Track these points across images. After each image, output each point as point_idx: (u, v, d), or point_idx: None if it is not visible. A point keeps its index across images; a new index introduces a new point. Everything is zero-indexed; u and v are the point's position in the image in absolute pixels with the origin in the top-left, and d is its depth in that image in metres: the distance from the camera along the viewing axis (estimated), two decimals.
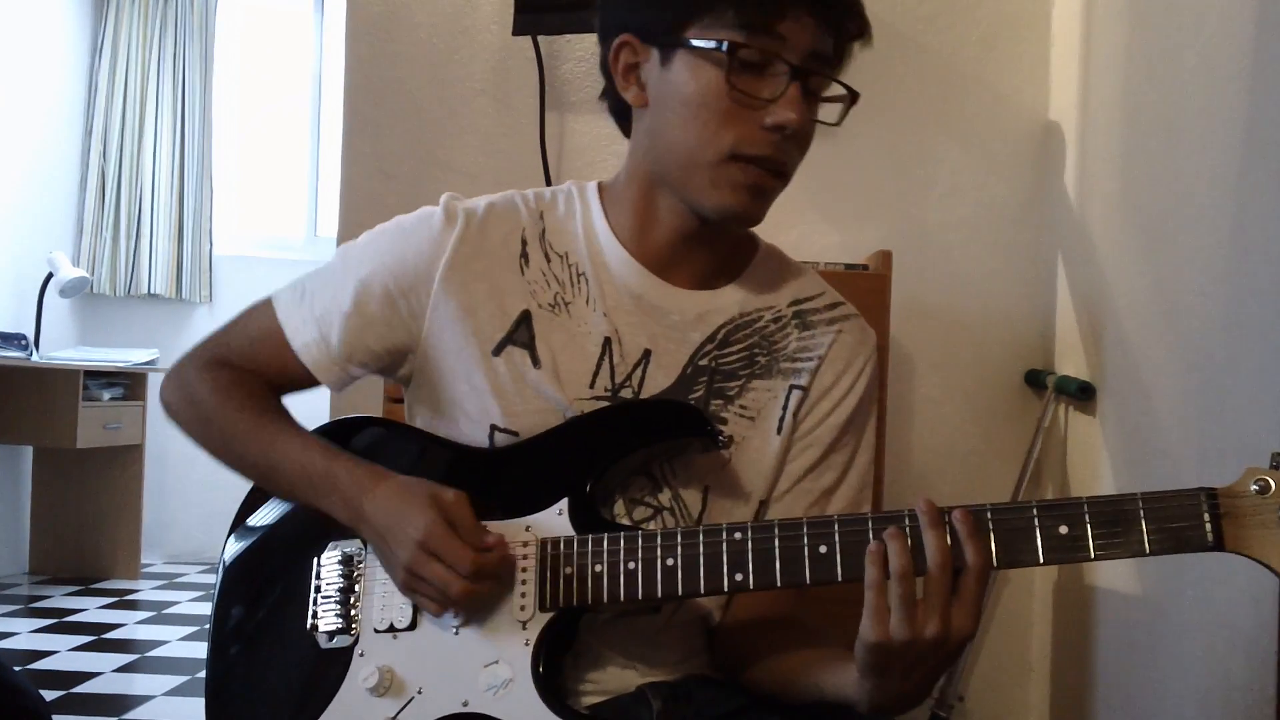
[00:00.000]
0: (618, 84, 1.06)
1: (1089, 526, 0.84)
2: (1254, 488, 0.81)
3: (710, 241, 1.08)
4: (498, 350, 1.06)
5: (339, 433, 1.12)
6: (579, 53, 2.24)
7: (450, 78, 2.26)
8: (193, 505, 4.74)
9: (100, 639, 3.40)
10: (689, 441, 1.03)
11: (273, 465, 1.07)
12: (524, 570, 0.98)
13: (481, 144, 2.26)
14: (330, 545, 1.06)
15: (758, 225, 1.08)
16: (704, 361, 1.07)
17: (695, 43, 0.98)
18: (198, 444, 1.14)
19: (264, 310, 1.13)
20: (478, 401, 1.06)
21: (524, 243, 1.09)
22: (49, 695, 2.76)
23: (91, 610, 3.80)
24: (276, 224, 5.07)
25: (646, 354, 1.06)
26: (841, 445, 1.11)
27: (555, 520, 0.99)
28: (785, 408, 1.08)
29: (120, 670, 3.08)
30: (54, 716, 1.19)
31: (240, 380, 1.12)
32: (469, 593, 0.95)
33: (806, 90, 1.00)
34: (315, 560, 1.06)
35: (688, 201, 1.04)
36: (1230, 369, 1.46)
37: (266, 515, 1.13)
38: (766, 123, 0.98)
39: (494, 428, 1.06)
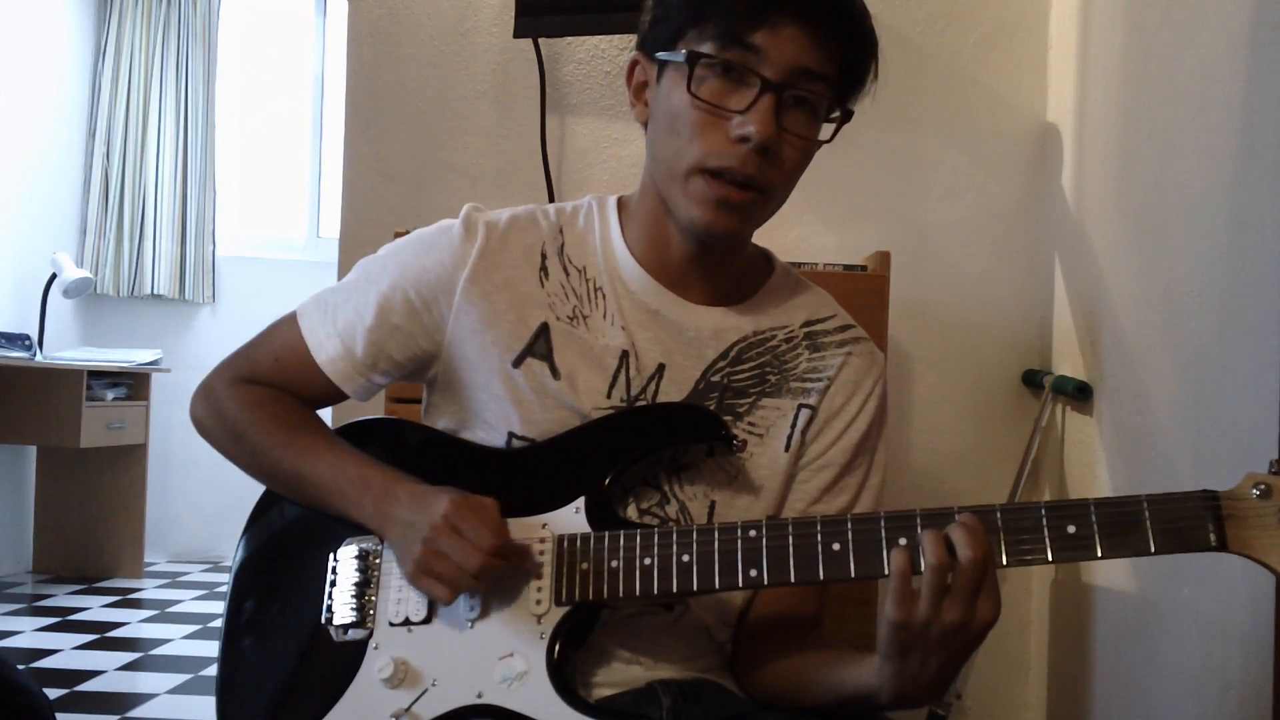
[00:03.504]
0: (630, 100, 1.09)
1: (1095, 526, 0.86)
2: (1255, 492, 0.84)
3: (723, 260, 1.09)
4: (517, 362, 1.07)
5: (357, 434, 1.14)
6: (580, 55, 2.25)
7: (451, 80, 2.27)
8: (196, 504, 4.76)
9: (103, 637, 3.42)
10: (702, 446, 1.05)
11: (302, 477, 1.08)
12: (540, 565, 1.00)
13: (482, 145, 2.27)
14: (347, 540, 1.07)
15: (740, 241, 1.09)
16: (716, 378, 1.09)
17: (667, 56, 1.00)
18: (230, 460, 1.15)
19: (288, 326, 1.14)
20: (497, 410, 1.08)
21: (544, 256, 1.11)
22: (52, 693, 2.78)
23: (95, 609, 3.81)
24: (279, 224, 5.08)
25: (661, 368, 1.08)
26: (855, 467, 1.12)
27: (572, 518, 1.01)
28: (794, 426, 1.10)
29: (123, 668, 3.09)
30: (57, 715, 1.19)
31: (269, 395, 1.13)
32: (487, 568, 0.95)
33: (796, 102, 0.99)
34: (331, 555, 1.08)
35: (671, 215, 1.05)
36: (1226, 369, 1.47)
37: (283, 511, 1.14)
38: (733, 134, 0.98)
39: (511, 435, 1.08)
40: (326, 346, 1.11)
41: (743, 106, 0.97)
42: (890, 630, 0.86)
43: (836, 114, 1.03)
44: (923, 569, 0.85)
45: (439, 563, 0.97)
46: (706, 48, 0.98)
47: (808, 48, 0.97)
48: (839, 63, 1.00)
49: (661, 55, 1.02)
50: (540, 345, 1.07)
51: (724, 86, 0.98)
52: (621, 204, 1.14)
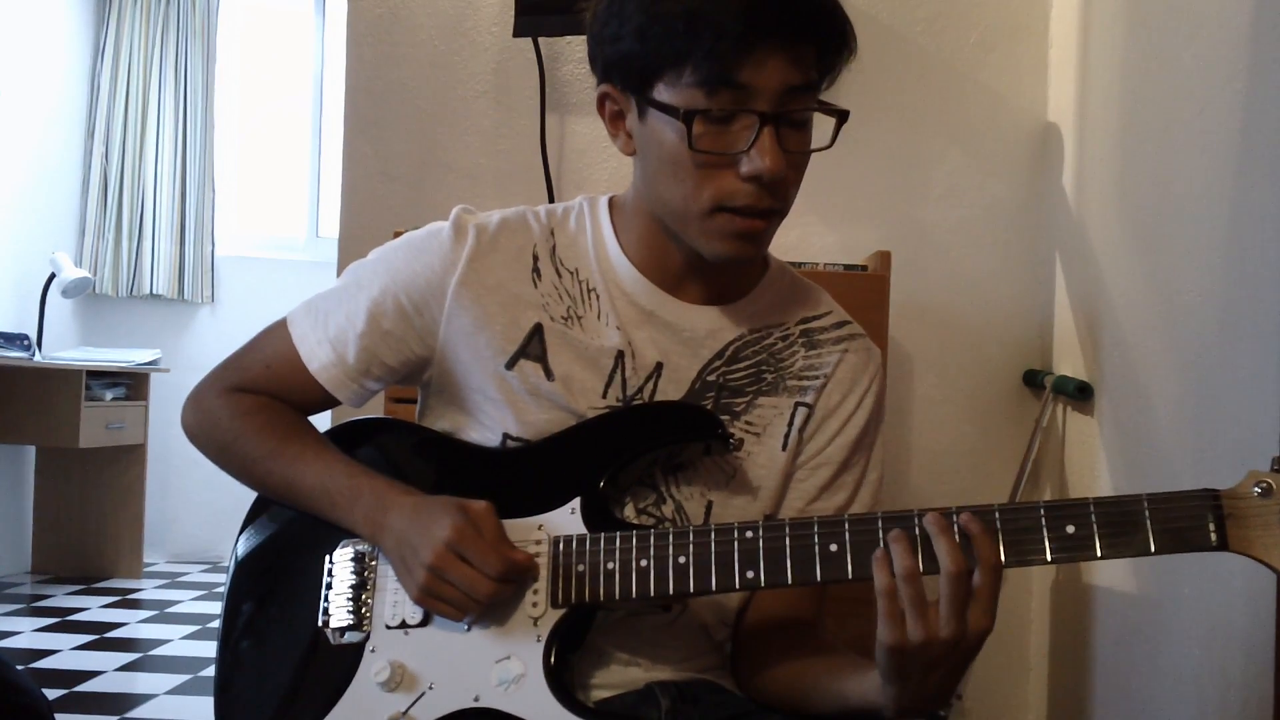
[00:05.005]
0: (606, 129, 1.06)
1: (1095, 526, 0.85)
2: (1256, 490, 0.83)
3: (720, 265, 1.08)
4: (511, 364, 1.07)
5: (351, 435, 1.14)
6: (579, 54, 2.24)
7: (451, 79, 2.27)
8: (195, 504, 4.76)
9: (102, 638, 3.41)
10: (699, 445, 1.04)
11: (294, 484, 1.08)
12: (536, 567, 0.99)
13: (482, 145, 2.27)
14: (343, 543, 1.07)
15: (761, 255, 1.09)
16: (712, 377, 1.09)
17: (660, 101, 0.97)
18: (221, 468, 1.15)
19: (278, 333, 1.14)
20: (492, 412, 1.08)
21: (535, 258, 1.10)
22: (51, 694, 2.77)
23: (94, 609, 3.81)
24: (278, 224, 5.08)
25: (658, 367, 1.08)
26: (852, 464, 1.12)
27: (568, 519, 1.01)
28: (791, 424, 1.09)
29: (122, 669, 3.09)
30: (56, 715, 1.19)
31: (260, 404, 1.13)
32: (495, 594, 0.96)
33: (790, 122, 0.97)
34: (328, 557, 1.07)
35: (686, 245, 1.04)
36: (1227, 369, 1.46)
37: (279, 513, 1.14)
38: (742, 173, 0.96)
39: (506, 436, 1.08)
40: (318, 354, 1.11)
41: (745, 145, 0.95)
42: (886, 654, 0.86)
43: (835, 113, 1.01)
44: (896, 582, 0.85)
45: (446, 589, 0.97)
46: (696, 96, 0.94)
47: (790, 67, 0.95)
48: (817, 64, 0.98)
49: (650, 99, 0.98)
50: (534, 346, 1.07)
51: (720, 129, 0.96)
52: (614, 205, 1.13)
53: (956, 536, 0.86)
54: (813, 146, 1.01)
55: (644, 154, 1.03)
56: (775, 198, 0.99)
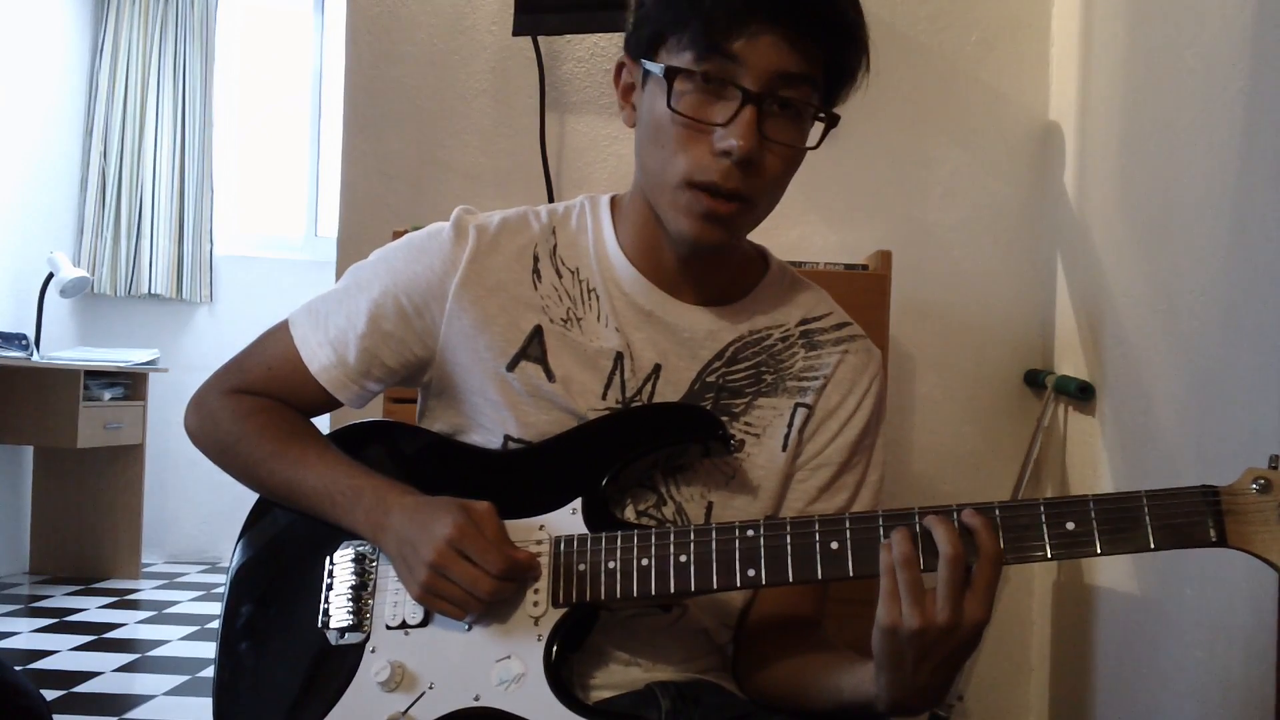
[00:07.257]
0: (618, 102, 1.07)
1: (1095, 523, 0.85)
2: (1254, 487, 0.83)
3: (716, 261, 1.08)
4: (511, 365, 1.07)
5: (353, 438, 1.13)
6: (579, 53, 2.24)
7: (450, 78, 2.27)
8: (193, 505, 4.75)
9: (101, 639, 3.41)
10: (700, 446, 1.04)
11: (295, 486, 1.08)
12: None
13: (481, 144, 2.26)
14: (344, 544, 1.07)
15: (728, 249, 1.07)
16: (712, 378, 1.09)
17: (649, 66, 0.98)
18: (223, 470, 1.15)
19: (279, 335, 1.14)
20: (492, 413, 1.08)
21: (536, 258, 1.10)
22: (49, 695, 2.77)
23: (92, 610, 3.80)
24: (277, 224, 5.07)
25: (657, 369, 1.08)
26: (852, 465, 1.12)
27: (569, 519, 1.01)
28: (790, 425, 1.09)
29: (120, 670, 3.09)
30: (54, 716, 1.19)
31: (261, 405, 1.13)
32: (497, 592, 0.96)
33: (783, 110, 0.97)
34: (328, 558, 1.07)
35: (661, 222, 1.04)
36: (1228, 368, 1.46)
37: (281, 516, 1.14)
38: (716, 147, 0.96)
39: (507, 438, 1.08)
40: (319, 355, 1.11)
41: (724, 119, 0.95)
42: (881, 636, 0.87)
43: (824, 115, 1.00)
44: (894, 565, 0.86)
45: (447, 588, 0.97)
46: (685, 58, 0.96)
47: (787, 52, 0.95)
48: (822, 63, 0.97)
49: (644, 64, 1.00)
50: (534, 348, 1.07)
51: (704, 99, 0.96)
52: (615, 204, 1.13)
53: (956, 526, 0.87)
54: (798, 144, 1.00)
55: (639, 124, 1.04)
56: (745, 183, 0.97)
